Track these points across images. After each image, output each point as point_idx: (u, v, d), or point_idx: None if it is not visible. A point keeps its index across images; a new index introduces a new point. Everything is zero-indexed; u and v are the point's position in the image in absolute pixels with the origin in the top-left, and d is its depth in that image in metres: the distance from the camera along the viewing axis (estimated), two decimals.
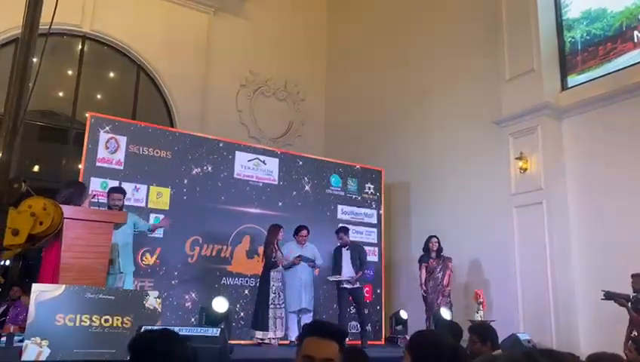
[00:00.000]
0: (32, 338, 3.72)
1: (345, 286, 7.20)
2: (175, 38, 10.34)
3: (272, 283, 6.80)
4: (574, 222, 7.04)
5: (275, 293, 6.80)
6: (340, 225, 8.00)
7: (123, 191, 6.03)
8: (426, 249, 7.57)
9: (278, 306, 6.79)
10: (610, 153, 6.73)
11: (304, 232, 7.26)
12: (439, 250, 7.52)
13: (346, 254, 7.31)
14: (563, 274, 6.84)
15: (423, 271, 7.48)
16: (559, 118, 7.36)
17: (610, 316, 5.93)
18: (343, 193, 8.70)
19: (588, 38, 7.46)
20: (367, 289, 8.53)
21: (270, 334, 6.66)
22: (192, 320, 6.92)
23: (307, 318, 7.03)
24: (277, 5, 11.73)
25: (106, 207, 5.70)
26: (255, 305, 6.93)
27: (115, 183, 6.76)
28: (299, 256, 7.09)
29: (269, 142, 10.84)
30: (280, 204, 8.06)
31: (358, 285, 7.30)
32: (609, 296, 5.53)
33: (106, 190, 6.33)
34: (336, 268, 7.30)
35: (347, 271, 7.21)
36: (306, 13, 12.21)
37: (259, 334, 6.69)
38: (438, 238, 7.57)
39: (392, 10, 10.54)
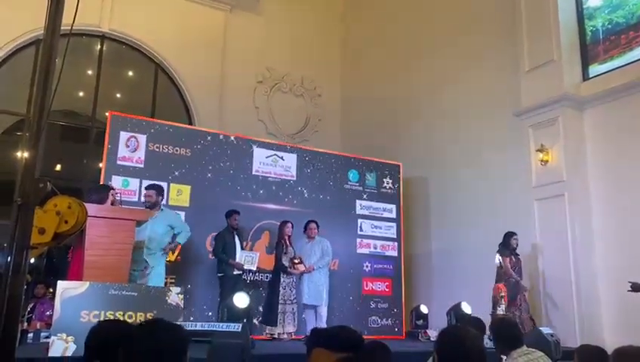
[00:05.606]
0: (58, 335, 3.80)
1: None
2: (192, 36, 10.40)
3: (281, 279, 6.85)
4: (597, 213, 6.93)
5: (284, 289, 6.83)
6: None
7: (156, 188, 6.08)
8: (506, 245, 7.05)
9: (288, 301, 6.82)
10: (632, 143, 6.61)
11: (311, 225, 7.25)
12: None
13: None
14: (586, 266, 6.75)
15: (508, 263, 6.94)
16: (580, 108, 7.24)
17: (635, 307, 5.84)
18: (361, 188, 8.68)
19: (609, 26, 7.31)
20: (387, 283, 8.52)
21: (279, 329, 6.70)
22: (210, 314, 6.97)
23: (322, 312, 7.03)
24: (292, 1, 11.72)
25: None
26: (265, 300, 7.00)
27: (135, 181, 6.88)
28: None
29: (287, 138, 10.86)
30: (298, 199, 8.08)
31: None
32: (636, 287, 5.42)
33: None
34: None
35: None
36: (321, 8, 12.18)
37: (270, 329, 6.75)
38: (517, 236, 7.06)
39: (408, 3, 10.46)
